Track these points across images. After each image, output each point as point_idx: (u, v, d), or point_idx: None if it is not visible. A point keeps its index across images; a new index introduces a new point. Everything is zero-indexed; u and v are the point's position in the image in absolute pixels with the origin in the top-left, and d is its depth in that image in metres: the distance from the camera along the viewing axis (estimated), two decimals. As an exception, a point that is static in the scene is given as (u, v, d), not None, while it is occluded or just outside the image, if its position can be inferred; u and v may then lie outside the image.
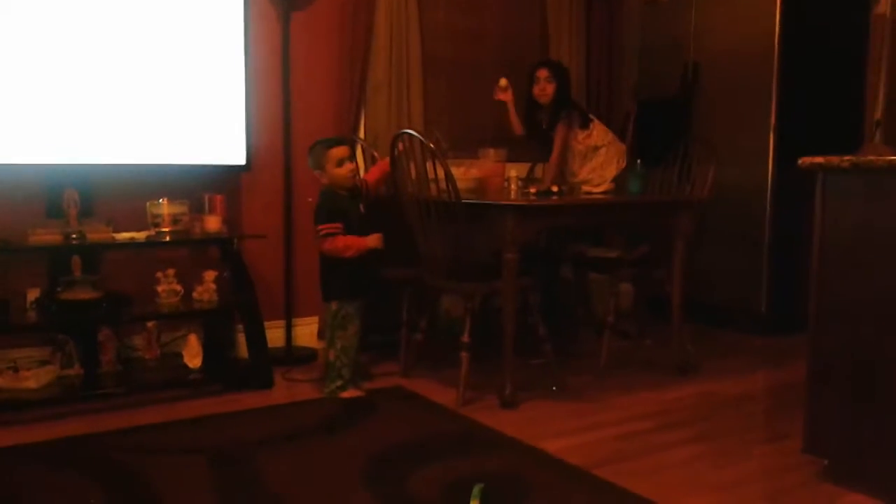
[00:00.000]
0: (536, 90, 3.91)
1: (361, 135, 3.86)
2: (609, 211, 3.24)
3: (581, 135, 3.90)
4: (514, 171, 3.50)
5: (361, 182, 3.16)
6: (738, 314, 4.17)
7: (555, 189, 3.19)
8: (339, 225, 2.95)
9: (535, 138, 4.06)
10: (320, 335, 3.78)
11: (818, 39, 4.09)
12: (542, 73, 3.90)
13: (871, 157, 1.99)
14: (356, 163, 3.16)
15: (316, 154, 3.01)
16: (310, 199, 3.71)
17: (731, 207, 4.05)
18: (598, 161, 3.89)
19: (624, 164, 3.85)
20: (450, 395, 3.00)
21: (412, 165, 2.97)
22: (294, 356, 3.60)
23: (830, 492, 2.18)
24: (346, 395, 3.03)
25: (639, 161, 3.50)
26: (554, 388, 3.13)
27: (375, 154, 3.52)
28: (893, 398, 2.05)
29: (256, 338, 3.26)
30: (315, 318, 3.79)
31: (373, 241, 3.01)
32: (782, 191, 3.99)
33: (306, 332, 3.78)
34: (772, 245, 4.03)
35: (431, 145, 2.85)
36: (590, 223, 3.70)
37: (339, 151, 2.99)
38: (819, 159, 2.10)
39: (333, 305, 3.03)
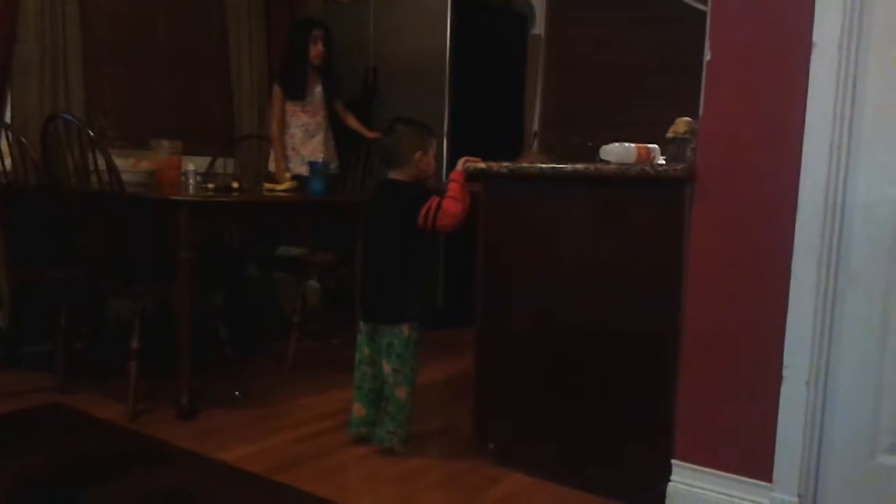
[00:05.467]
0: (315, 51, 3.83)
1: (8, 118, 3.36)
2: (291, 210, 3.19)
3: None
4: (192, 164, 3.30)
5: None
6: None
7: (235, 185, 3.06)
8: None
9: (298, 97, 3.91)
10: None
11: (486, 54, 4.44)
12: (320, 34, 3.84)
13: (525, 164, 2.19)
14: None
15: (417, 134, 2.46)
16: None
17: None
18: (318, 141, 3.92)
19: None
20: (119, 410, 2.72)
21: (69, 154, 2.65)
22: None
23: (496, 473, 2.34)
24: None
25: (321, 160, 3.51)
26: (237, 394, 3.00)
27: (22, 140, 3.08)
28: (544, 386, 2.27)
29: None
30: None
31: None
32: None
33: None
34: (447, 243, 4.29)
35: (90, 132, 2.56)
36: (272, 221, 3.63)
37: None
38: (482, 164, 2.26)
39: (405, 330, 2.44)
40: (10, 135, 3.19)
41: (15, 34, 3.36)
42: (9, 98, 3.39)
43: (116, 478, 2.20)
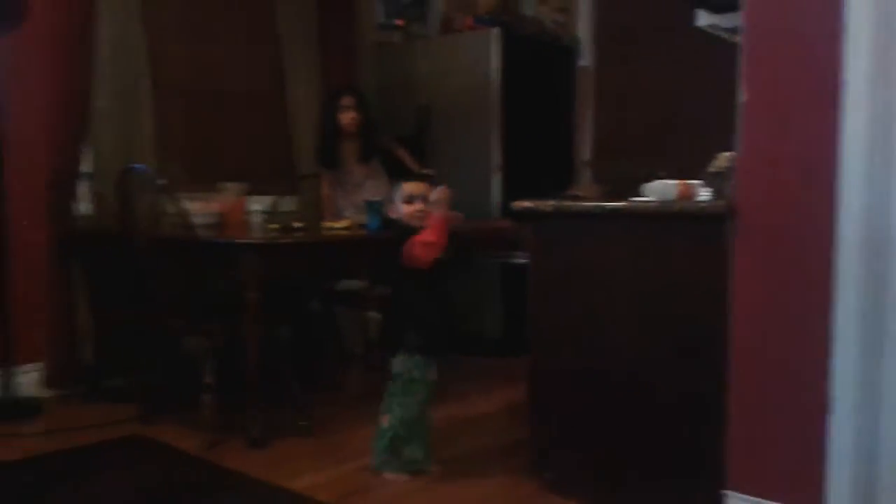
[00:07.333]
0: (345, 119, 3.85)
1: (85, 167, 3.61)
2: (350, 247, 3.33)
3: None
4: (257, 204, 3.47)
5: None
6: (476, 339, 4.46)
7: (297, 225, 3.21)
8: None
9: (331, 167, 3.99)
10: (48, 382, 3.47)
11: (535, 88, 4.55)
12: (350, 101, 3.84)
13: (569, 203, 2.28)
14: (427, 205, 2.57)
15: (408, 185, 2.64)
16: (24, 223, 3.40)
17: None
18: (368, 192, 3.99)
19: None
20: (195, 441, 2.88)
21: (143, 202, 2.85)
22: (16, 407, 3.25)
23: (553, 502, 2.39)
24: (390, 476, 2.58)
25: (377, 199, 3.63)
26: (303, 424, 3.12)
27: (101, 188, 3.31)
28: (596, 417, 2.33)
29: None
30: (40, 364, 3.47)
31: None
32: (509, 225, 4.34)
33: (30, 379, 3.43)
34: (503, 274, 4.39)
35: (163, 182, 2.75)
36: (333, 259, 3.78)
37: (411, 186, 2.58)
38: (528, 203, 2.35)
39: (396, 365, 2.56)
40: (89, 183, 3.44)
41: (90, 86, 3.59)
42: (86, 146, 3.63)
43: (194, 505, 2.35)
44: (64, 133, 3.50)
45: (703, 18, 2.54)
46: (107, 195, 3.29)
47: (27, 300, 3.42)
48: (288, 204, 4.22)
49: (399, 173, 4.16)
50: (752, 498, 2.02)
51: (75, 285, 3.56)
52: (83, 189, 3.50)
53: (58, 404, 3.41)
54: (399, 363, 2.55)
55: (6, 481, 2.54)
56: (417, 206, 2.53)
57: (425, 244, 2.45)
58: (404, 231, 2.54)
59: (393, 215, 2.64)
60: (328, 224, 3.44)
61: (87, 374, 3.55)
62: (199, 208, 3.22)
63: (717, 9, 2.51)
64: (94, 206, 3.41)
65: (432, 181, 2.72)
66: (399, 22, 4.82)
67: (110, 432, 3.02)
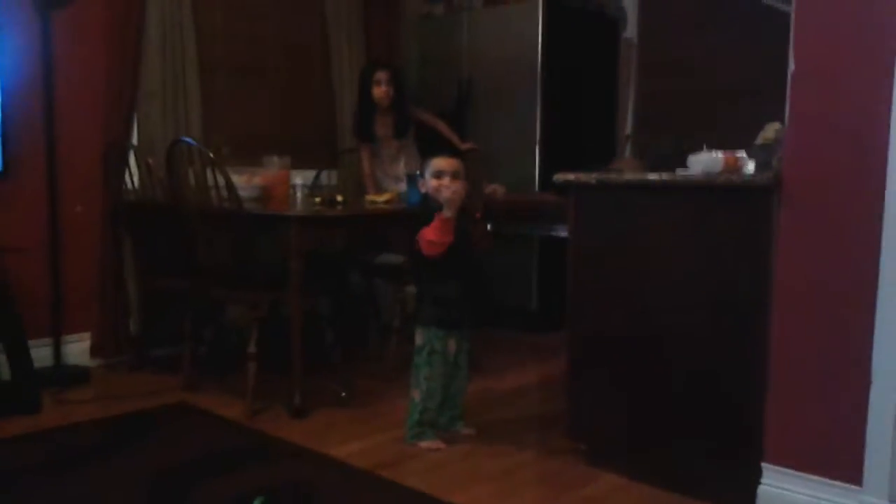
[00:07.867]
0: (379, 93, 3.85)
1: (135, 141, 3.68)
2: (391, 220, 3.35)
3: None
4: (300, 178, 3.51)
5: (472, 205, 2.72)
6: (512, 313, 4.47)
7: (339, 198, 3.25)
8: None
9: (367, 141, 4.02)
10: (93, 351, 3.57)
11: (578, 60, 4.51)
12: (384, 76, 3.85)
13: (613, 176, 2.26)
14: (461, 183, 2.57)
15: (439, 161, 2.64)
16: (78, 209, 3.50)
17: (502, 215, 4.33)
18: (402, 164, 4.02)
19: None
20: (238, 408, 2.95)
21: (191, 174, 2.90)
22: (65, 375, 3.36)
23: (588, 472, 2.42)
24: (425, 444, 2.63)
25: (418, 171, 3.64)
26: (343, 395, 3.18)
27: (150, 161, 3.37)
28: (634, 390, 2.34)
29: (19, 357, 3.01)
30: (87, 334, 3.57)
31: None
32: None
33: (77, 349, 3.54)
34: (540, 249, 4.38)
35: (210, 154, 2.80)
36: (374, 232, 3.81)
37: (440, 162, 2.58)
38: (571, 176, 2.34)
39: (418, 338, 2.64)
40: (137, 155, 3.50)
41: (139, 62, 3.65)
42: (135, 121, 3.71)
43: (238, 471, 2.40)
44: (116, 109, 3.57)
45: (752, -12, 2.49)
46: (155, 168, 3.35)
47: (77, 271, 3.52)
48: (330, 178, 4.24)
49: (439, 148, 4.17)
50: (789, 471, 2.01)
51: (124, 256, 3.66)
52: (132, 162, 3.57)
53: (104, 373, 3.52)
54: (420, 336, 2.62)
55: (57, 445, 2.63)
56: (445, 181, 2.53)
57: (429, 243, 2.51)
58: (430, 207, 2.56)
59: (422, 190, 2.66)
60: (371, 197, 3.46)
61: (134, 344, 3.65)
62: (244, 181, 3.27)
63: (766, -22, 2.46)
64: (142, 179, 3.48)
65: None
66: (445, -7, 4.81)
67: (156, 400, 3.10)
